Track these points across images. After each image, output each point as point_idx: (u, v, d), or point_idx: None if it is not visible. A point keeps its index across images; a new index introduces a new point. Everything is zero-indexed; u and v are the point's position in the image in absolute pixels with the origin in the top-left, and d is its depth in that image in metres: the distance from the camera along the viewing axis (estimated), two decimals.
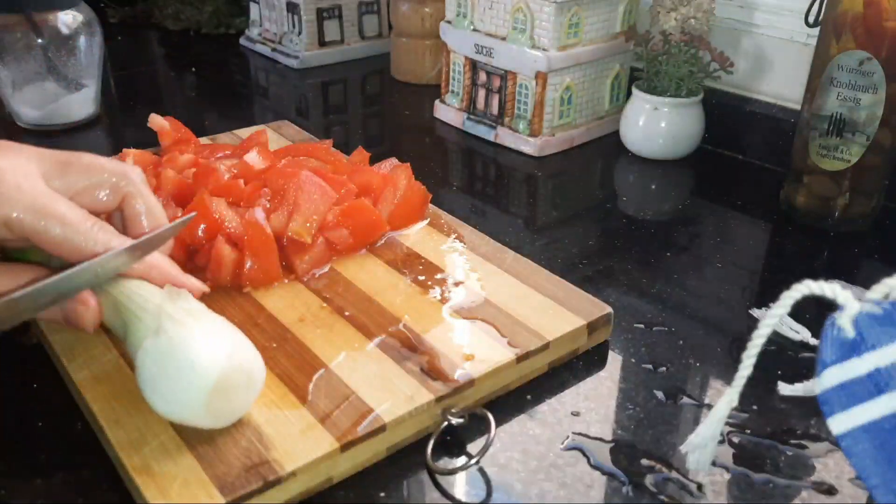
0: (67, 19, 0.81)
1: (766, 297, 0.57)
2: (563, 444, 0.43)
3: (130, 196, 0.43)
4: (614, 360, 0.50)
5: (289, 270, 0.54)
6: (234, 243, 0.53)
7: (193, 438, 0.39)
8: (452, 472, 0.41)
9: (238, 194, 0.57)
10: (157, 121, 0.67)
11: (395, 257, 0.56)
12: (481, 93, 0.84)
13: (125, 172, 0.43)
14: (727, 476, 0.41)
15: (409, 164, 0.62)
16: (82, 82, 0.84)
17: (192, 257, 0.53)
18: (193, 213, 0.49)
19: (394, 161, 0.64)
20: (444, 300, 0.51)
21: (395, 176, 0.60)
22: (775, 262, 0.63)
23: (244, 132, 0.77)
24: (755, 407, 0.46)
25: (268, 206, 0.55)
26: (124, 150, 0.64)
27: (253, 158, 0.61)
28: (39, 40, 0.80)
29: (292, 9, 1.05)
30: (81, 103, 0.85)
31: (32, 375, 0.47)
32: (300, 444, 0.39)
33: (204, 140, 0.73)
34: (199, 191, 0.54)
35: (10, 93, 0.82)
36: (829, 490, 0.41)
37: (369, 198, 0.59)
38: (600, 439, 0.44)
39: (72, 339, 0.46)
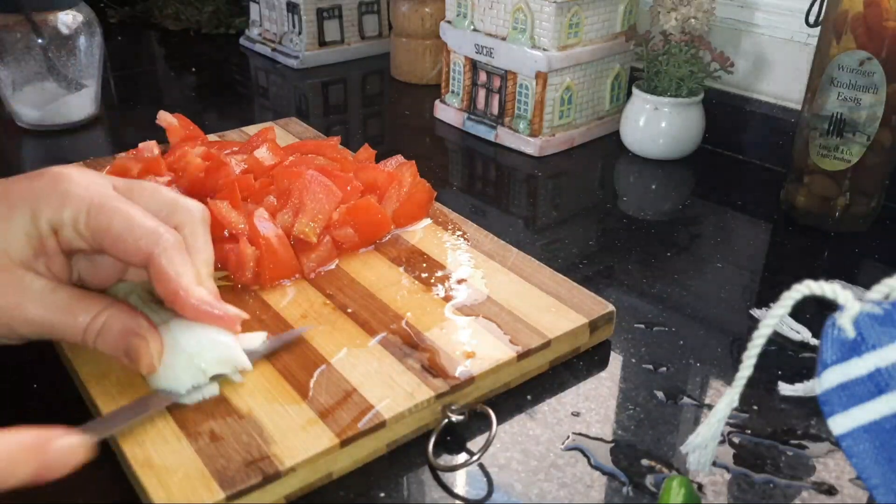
0: (67, 19, 0.81)
1: (767, 298, 0.57)
2: (563, 444, 0.43)
3: (181, 227, 0.43)
4: (614, 360, 0.50)
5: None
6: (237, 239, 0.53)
7: (195, 433, 0.40)
8: (454, 468, 0.41)
9: (248, 189, 0.57)
10: (165, 117, 0.68)
11: (399, 254, 0.56)
12: (481, 93, 0.84)
13: (182, 205, 0.44)
14: (727, 476, 0.41)
15: (414, 161, 0.62)
16: (82, 82, 0.84)
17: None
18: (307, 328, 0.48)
19: (400, 158, 0.64)
20: (446, 297, 0.51)
21: (401, 173, 0.60)
22: (775, 262, 0.63)
23: (252, 129, 0.77)
24: (756, 407, 0.46)
25: (275, 203, 0.56)
26: (144, 142, 0.64)
27: (263, 154, 0.62)
28: (39, 40, 0.80)
29: (292, 9, 1.05)
30: (81, 103, 0.85)
31: (32, 376, 0.47)
32: (300, 439, 0.39)
33: (212, 137, 0.73)
34: (211, 194, 0.55)
35: (10, 93, 0.82)
36: (830, 490, 0.41)
37: (375, 195, 0.59)
38: (600, 439, 0.44)
39: None
